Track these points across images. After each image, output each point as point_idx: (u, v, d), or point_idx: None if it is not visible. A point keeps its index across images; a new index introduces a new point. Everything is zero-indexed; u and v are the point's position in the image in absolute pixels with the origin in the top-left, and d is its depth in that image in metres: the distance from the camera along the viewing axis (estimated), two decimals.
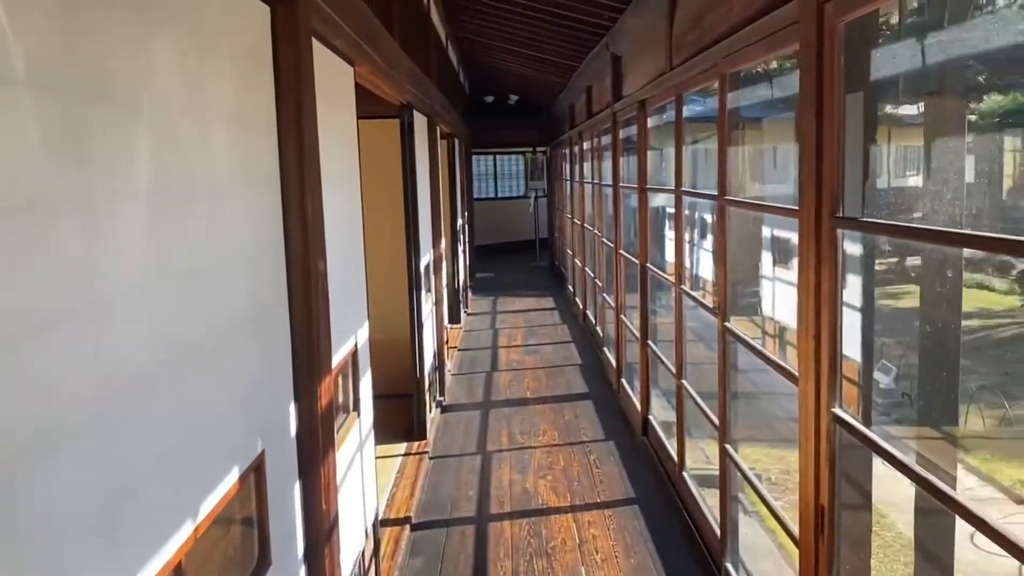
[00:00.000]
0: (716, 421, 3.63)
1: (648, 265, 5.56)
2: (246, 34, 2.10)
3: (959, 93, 2.28)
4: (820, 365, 2.29)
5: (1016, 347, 11.77)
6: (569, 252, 11.96)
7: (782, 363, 2.62)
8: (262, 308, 2.11)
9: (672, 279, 4.67)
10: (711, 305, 3.63)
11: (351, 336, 3.25)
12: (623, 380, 6.62)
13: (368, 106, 5.93)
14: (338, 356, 2.94)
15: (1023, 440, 8.04)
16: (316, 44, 2.74)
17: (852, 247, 2.63)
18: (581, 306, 10.08)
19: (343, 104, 3.34)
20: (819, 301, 2.27)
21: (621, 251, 6.60)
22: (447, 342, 8.04)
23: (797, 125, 2.33)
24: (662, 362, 5.16)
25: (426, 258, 6.13)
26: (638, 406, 5.78)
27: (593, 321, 9.04)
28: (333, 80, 3.14)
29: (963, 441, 8.34)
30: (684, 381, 4.52)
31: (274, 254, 2.22)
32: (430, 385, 6.23)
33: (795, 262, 7.80)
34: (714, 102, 3.65)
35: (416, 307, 5.57)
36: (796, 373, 2.46)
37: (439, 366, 6.71)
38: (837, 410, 2.25)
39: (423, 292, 5.87)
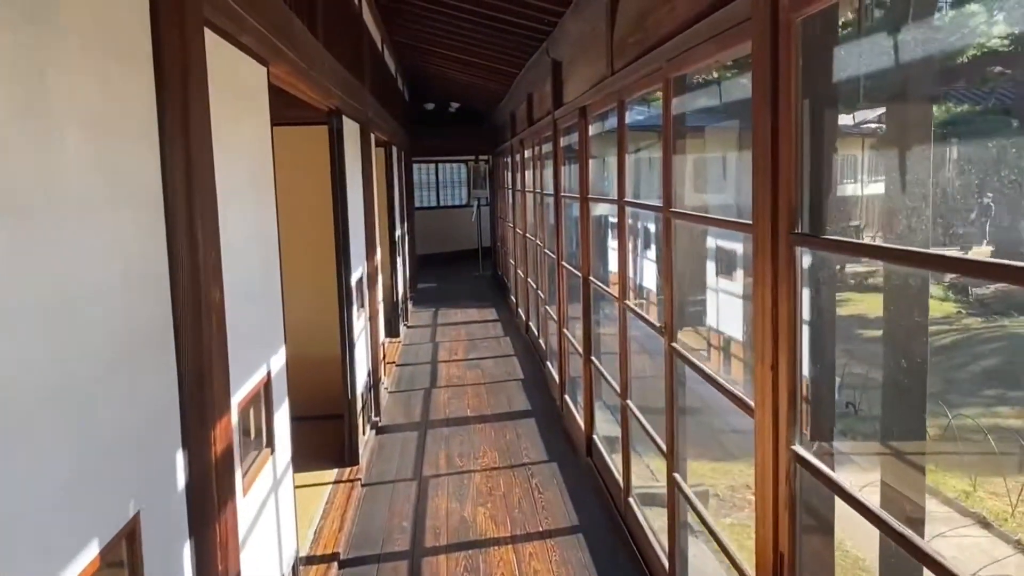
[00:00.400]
0: (664, 447, 3.40)
1: (591, 278, 5.34)
2: (112, 20, 1.78)
3: (924, 98, 2.09)
4: (778, 397, 2.07)
5: (955, 354, 11.97)
6: (512, 262, 11.72)
7: (737, 392, 2.39)
8: (138, 346, 1.79)
9: (616, 294, 4.44)
10: (658, 324, 3.41)
11: (262, 365, 2.93)
12: (566, 396, 6.39)
13: (292, 111, 5.61)
14: (244, 390, 2.62)
15: (966, 451, 8.08)
16: (215, 39, 2.42)
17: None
18: (524, 317, 9.85)
19: (254, 109, 3.03)
20: (776, 326, 2.05)
21: (563, 263, 6.37)
22: (384, 358, 7.71)
23: (753, 133, 2.11)
24: (606, 380, 4.94)
25: (359, 272, 5.81)
26: (582, 425, 5.54)
27: (536, 333, 8.81)
28: (240, 81, 2.82)
29: (907, 454, 8.36)
30: (629, 401, 4.29)
31: (155, 284, 1.90)
32: (364, 406, 5.90)
33: (739, 273, 7.63)
34: (657, 109, 3.46)
35: (347, 324, 5.24)
36: (751, 404, 2.23)
37: (374, 385, 6.38)
38: (798, 447, 2.03)
39: (355, 308, 5.54)
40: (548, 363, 7.61)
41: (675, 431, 3.28)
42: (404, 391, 7.40)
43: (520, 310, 10.60)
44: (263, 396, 2.97)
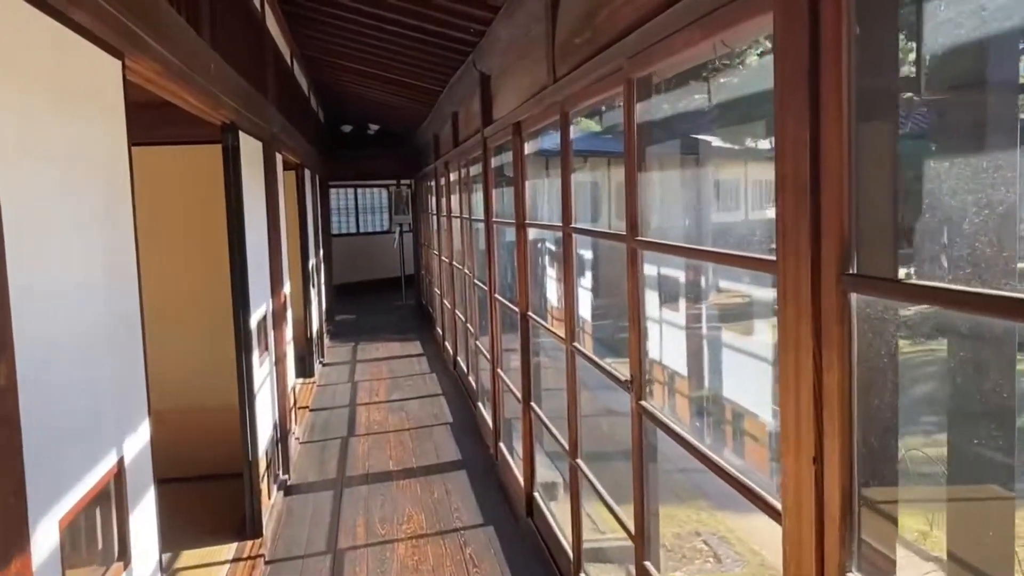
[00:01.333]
0: (631, 529, 2.79)
1: (530, 314, 4.73)
2: None
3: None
4: (824, 504, 1.48)
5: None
6: (437, 291, 11.04)
7: (757, 490, 1.79)
8: None
9: (562, 335, 3.84)
10: (624, 379, 2.80)
11: (110, 451, 2.19)
12: (501, 444, 5.74)
13: (182, 128, 4.86)
14: (74, 495, 1.88)
15: (921, 485, 7.73)
16: (33, 12, 1.73)
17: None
18: (451, 352, 9.17)
19: (99, 114, 2.31)
20: (820, 404, 1.47)
21: (496, 295, 5.75)
22: (295, 404, 6.91)
23: (777, 139, 1.54)
24: (549, 431, 4.32)
25: (261, 310, 5.05)
26: (521, 480, 4.91)
27: (465, 370, 8.14)
28: (72, 76, 2.11)
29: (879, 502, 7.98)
30: (580, 461, 3.68)
31: None
32: (269, 464, 5.12)
33: (681, 303, 7.06)
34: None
35: (246, 372, 4.47)
36: (778, 507, 1.64)
37: (281, 438, 5.59)
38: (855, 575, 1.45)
39: (257, 352, 4.78)
40: (480, 404, 6.95)
41: (646, 510, 2.67)
42: (318, 441, 6.61)
43: (447, 343, 9.92)
44: (114, 493, 2.22)
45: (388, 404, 7.74)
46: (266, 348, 5.26)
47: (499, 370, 5.76)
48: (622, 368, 2.90)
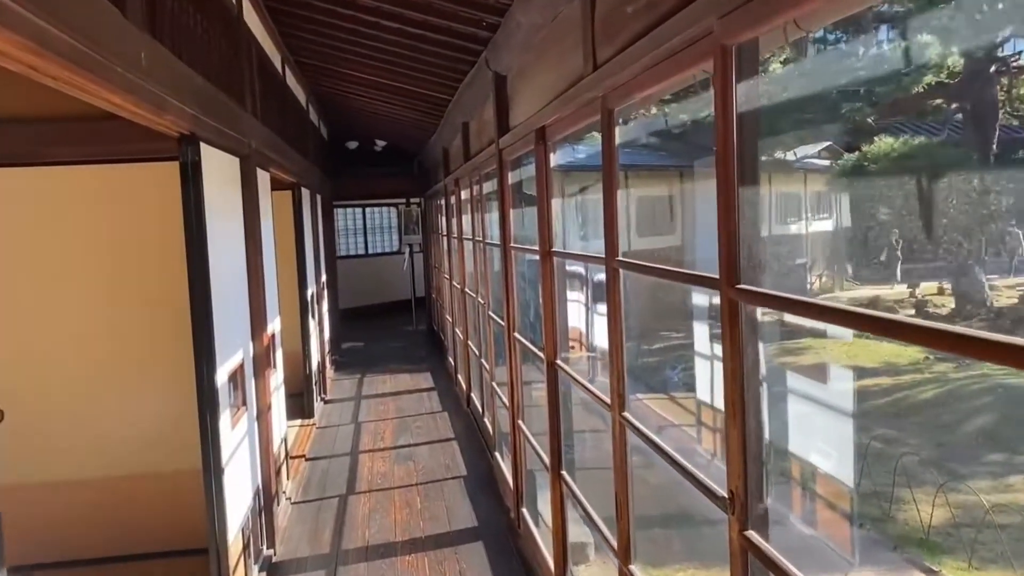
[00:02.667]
0: None
1: (559, 363, 3.86)
2: None
3: None
4: None
5: (940, 410, 10.75)
6: (449, 319, 10.19)
7: None
8: None
9: (606, 399, 2.97)
10: (722, 494, 1.90)
11: None
12: (524, 510, 4.85)
13: (142, 144, 4.06)
14: None
15: (996, 532, 6.74)
16: None
17: None
18: (465, 387, 8.29)
19: None
20: None
21: (516, 335, 4.88)
22: (287, 455, 6.06)
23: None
24: (585, 512, 3.44)
25: (235, 360, 4.21)
26: (550, 562, 4.02)
27: (480, 409, 7.26)
28: None
29: (928, 541, 7.00)
30: (635, 568, 2.79)
31: None
32: (247, 541, 4.25)
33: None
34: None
35: (211, 437, 3.62)
36: None
37: (264, 506, 4.72)
38: None
39: (227, 411, 3.93)
40: (498, 455, 6.06)
41: None
42: (313, 501, 5.73)
43: (459, 376, 9.05)
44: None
45: (395, 451, 6.86)
46: (243, 403, 4.40)
47: (520, 422, 4.88)
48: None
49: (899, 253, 15.11)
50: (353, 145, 13.13)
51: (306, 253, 8.05)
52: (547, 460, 4.02)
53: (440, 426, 7.63)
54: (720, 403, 6.49)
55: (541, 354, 4.04)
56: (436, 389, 9.30)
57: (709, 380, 7.53)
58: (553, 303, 3.87)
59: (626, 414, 2.80)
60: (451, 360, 9.96)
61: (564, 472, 3.86)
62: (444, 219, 10.14)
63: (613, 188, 2.75)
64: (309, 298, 8.19)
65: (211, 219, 3.74)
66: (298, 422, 7.79)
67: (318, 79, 8.76)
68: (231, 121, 4.17)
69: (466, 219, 8.09)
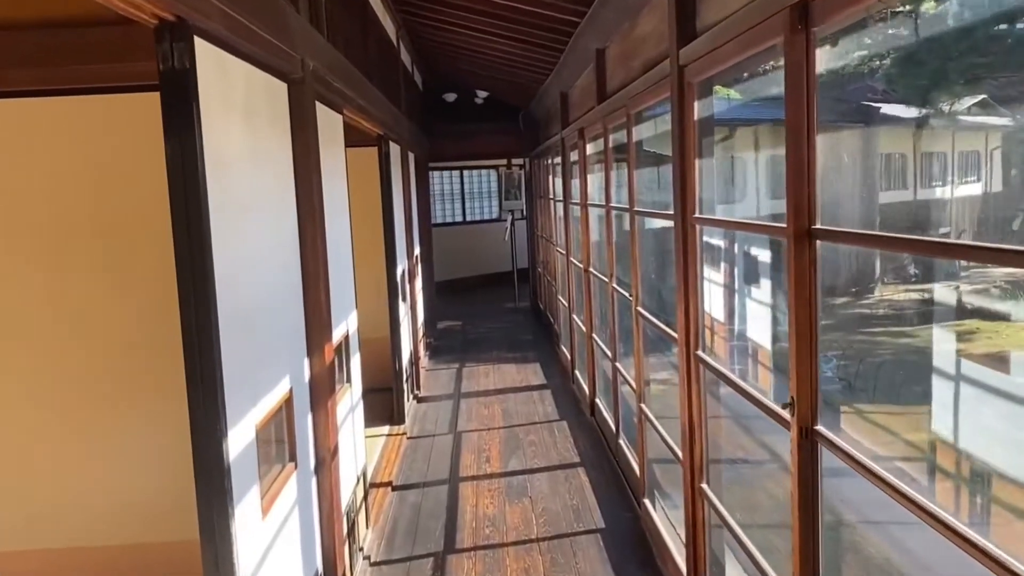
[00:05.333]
0: None
1: (822, 431, 2.15)
2: None
3: None
4: None
5: None
6: (562, 301, 8.56)
7: None
8: None
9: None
10: None
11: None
12: None
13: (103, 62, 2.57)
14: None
15: None
16: None
17: None
18: (588, 391, 6.67)
19: None
20: None
21: (699, 353, 3.19)
22: (368, 484, 4.61)
23: None
24: None
25: (272, 400, 2.68)
26: None
27: (613, 429, 5.63)
28: None
29: None
30: None
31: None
32: None
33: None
34: None
35: (217, 549, 2.12)
36: None
37: None
38: None
39: (253, 490, 2.43)
40: (649, 503, 4.43)
41: None
42: (399, 561, 4.24)
43: (578, 374, 7.44)
44: None
45: (504, 480, 5.31)
46: (291, 458, 2.90)
47: (703, 485, 3.20)
48: None
49: None
50: (452, 97, 11.54)
51: (395, 223, 6.55)
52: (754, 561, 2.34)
53: (559, 442, 6.04)
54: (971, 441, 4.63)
55: (785, 417, 2.33)
56: (549, 387, 7.71)
57: (952, 396, 5.62)
58: (814, 327, 2.16)
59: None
60: (564, 351, 8.34)
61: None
62: (558, 180, 8.46)
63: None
64: (400, 277, 6.71)
65: (222, 177, 2.21)
66: (384, 430, 6.36)
67: (411, 10, 7.18)
68: (268, 18, 2.60)
69: (594, 179, 6.40)
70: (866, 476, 1.92)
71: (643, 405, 4.45)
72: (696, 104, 3.10)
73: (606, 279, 5.55)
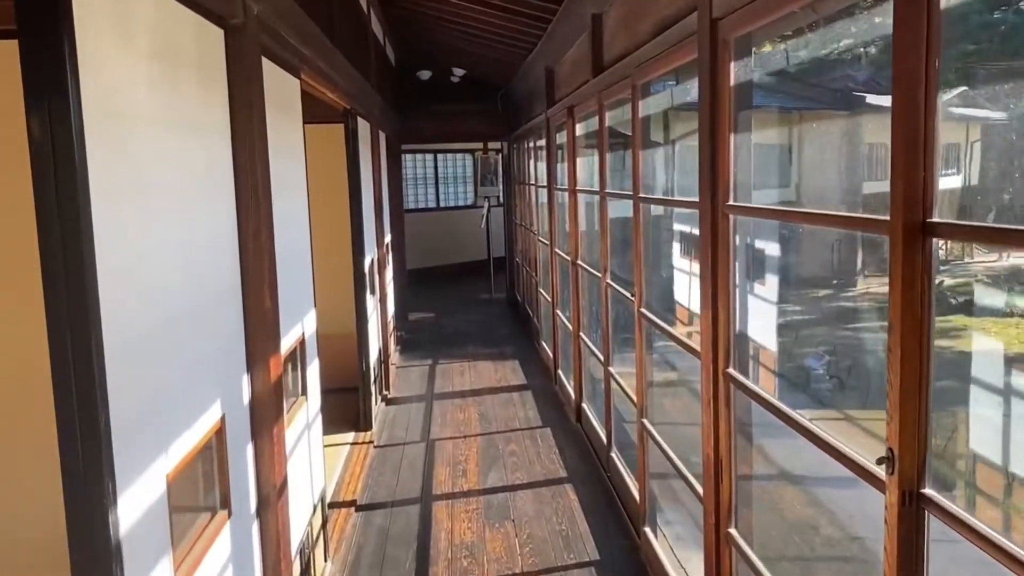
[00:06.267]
0: None
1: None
2: None
3: None
4: None
5: None
6: (543, 294, 7.98)
7: None
8: None
9: None
10: None
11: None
12: None
13: None
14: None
15: None
16: None
17: None
18: (573, 395, 6.11)
19: None
20: None
21: (731, 371, 2.63)
22: (327, 507, 4.01)
23: None
24: None
25: (184, 447, 2.07)
26: None
27: (605, 440, 5.08)
28: None
29: None
30: None
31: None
32: None
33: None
34: None
35: None
36: None
37: None
38: None
39: None
40: (650, 532, 3.87)
41: None
42: None
43: (561, 374, 6.87)
44: None
45: (483, 499, 4.73)
46: (225, 508, 2.28)
47: (731, 531, 2.65)
48: None
49: None
50: (426, 75, 10.86)
51: (364, 209, 5.91)
52: None
53: (543, 453, 5.47)
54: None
55: (871, 466, 1.77)
56: (529, 387, 7.14)
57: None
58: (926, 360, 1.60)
59: None
60: (546, 347, 7.77)
61: None
62: (542, 165, 7.86)
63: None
64: (368, 268, 6.08)
65: (115, 142, 1.59)
66: (349, 438, 5.75)
67: None
68: None
69: (585, 163, 5.83)
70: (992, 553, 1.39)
71: (645, 420, 3.89)
72: (732, 66, 2.53)
73: (599, 274, 4.98)
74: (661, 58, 3.26)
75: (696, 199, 2.79)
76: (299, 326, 3.42)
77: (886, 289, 1.68)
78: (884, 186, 1.69)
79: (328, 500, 4.53)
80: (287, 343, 3.14)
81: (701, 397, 2.80)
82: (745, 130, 2.61)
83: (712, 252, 2.65)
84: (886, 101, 1.64)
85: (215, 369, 2.25)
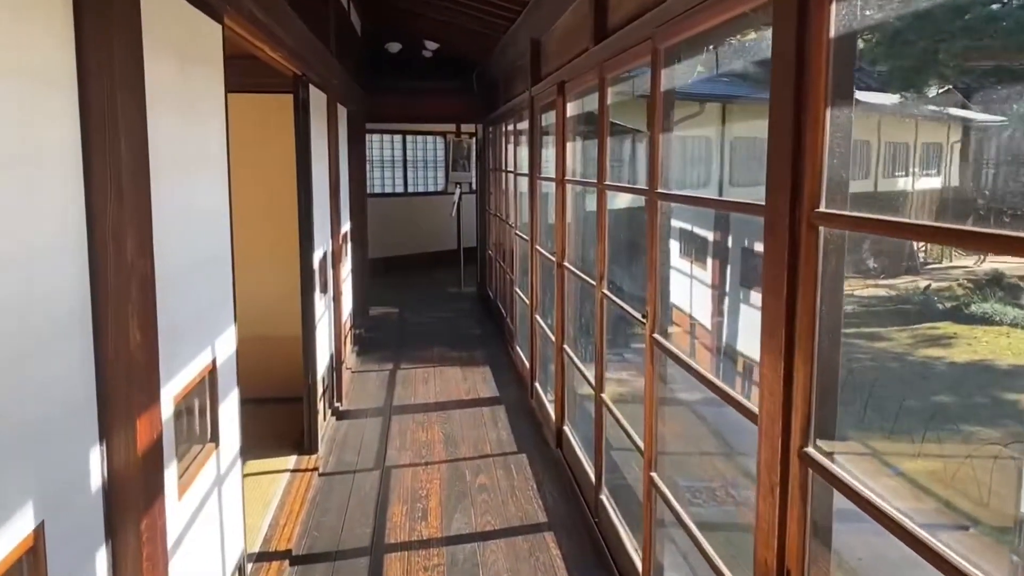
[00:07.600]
0: None
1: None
2: None
3: None
4: None
5: None
6: (520, 295, 7.16)
7: None
8: None
9: None
10: None
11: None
12: None
13: None
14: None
15: None
16: None
17: None
18: (553, 415, 5.31)
19: None
20: None
21: (807, 451, 1.83)
22: (245, 560, 3.14)
23: None
24: None
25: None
26: None
27: (594, 478, 4.29)
28: None
29: None
30: None
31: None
32: None
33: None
34: None
35: None
36: None
37: None
38: None
39: None
40: None
41: None
42: None
43: (539, 388, 6.06)
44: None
45: (447, 551, 3.91)
46: None
47: None
48: None
49: None
50: (396, 48, 9.92)
51: (315, 194, 5.02)
52: None
53: (519, 488, 4.66)
54: None
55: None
56: (502, 401, 6.32)
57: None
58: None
59: None
60: (522, 355, 6.96)
61: None
62: (522, 151, 7.01)
63: None
64: (319, 264, 5.20)
65: None
66: (290, 463, 4.89)
67: None
68: None
69: (575, 148, 5.01)
70: None
71: (655, 475, 3.09)
72: (833, 6, 1.72)
73: (593, 282, 4.17)
74: (705, 10, 2.43)
75: (760, 201, 1.98)
76: (207, 352, 2.55)
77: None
78: None
79: (257, 550, 3.69)
80: (186, 378, 2.28)
81: (758, 480, 2.00)
82: (844, 104, 1.80)
83: (789, 279, 1.84)
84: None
85: (34, 452, 1.39)
